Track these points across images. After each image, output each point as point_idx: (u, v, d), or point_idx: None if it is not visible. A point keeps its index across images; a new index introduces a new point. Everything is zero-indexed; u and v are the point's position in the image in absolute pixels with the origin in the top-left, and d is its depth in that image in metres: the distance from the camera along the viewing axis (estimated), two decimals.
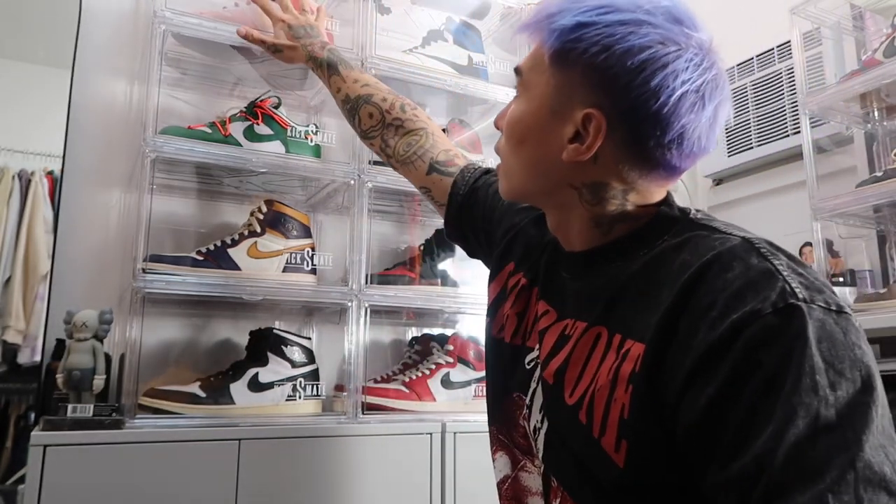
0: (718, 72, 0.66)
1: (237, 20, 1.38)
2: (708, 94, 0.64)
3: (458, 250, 1.61)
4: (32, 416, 1.54)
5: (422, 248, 1.61)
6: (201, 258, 1.31)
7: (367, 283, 1.41)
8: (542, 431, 0.73)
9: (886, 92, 1.69)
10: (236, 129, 1.37)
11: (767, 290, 0.54)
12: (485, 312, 0.88)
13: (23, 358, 1.60)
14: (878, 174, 1.60)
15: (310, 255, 1.41)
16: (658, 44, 0.63)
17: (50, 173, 1.67)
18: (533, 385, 0.75)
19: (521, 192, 0.76)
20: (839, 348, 0.52)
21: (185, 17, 1.32)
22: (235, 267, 1.33)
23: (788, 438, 0.48)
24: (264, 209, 1.41)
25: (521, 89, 0.73)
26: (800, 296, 0.53)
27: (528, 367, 0.78)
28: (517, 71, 0.74)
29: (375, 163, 1.49)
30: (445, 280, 1.55)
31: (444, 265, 1.58)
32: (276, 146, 1.40)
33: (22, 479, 1.08)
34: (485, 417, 1.33)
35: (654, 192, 0.70)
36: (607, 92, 0.64)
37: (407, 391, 1.43)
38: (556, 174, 0.69)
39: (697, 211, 0.70)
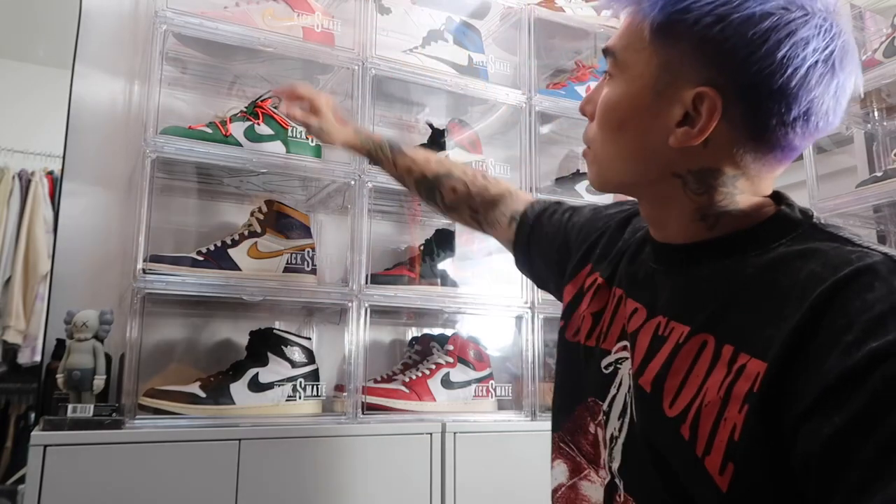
0: (848, 37, 0.59)
1: (238, 20, 1.38)
2: (838, 62, 0.58)
3: (458, 250, 1.62)
4: (32, 415, 1.55)
5: (422, 248, 1.61)
6: (201, 258, 1.31)
7: (367, 283, 1.41)
8: (620, 441, 0.68)
9: (886, 92, 1.69)
10: (237, 129, 1.37)
11: None
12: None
13: (23, 358, 1.60)
14: (878, 174, 1.61)
15: (310, 255, 1.41)
16: (781, 9, 0.56)
17: (50, 173, 1.67)
18: (613, 391, 0.70)
19: (617, 182, 0.69)
20: None
21: (186, 16, 1.32)
22: (235, 267, 1.33)
23: None
24: (264, 209, 1.41)
25: (615, 70, 0.65)
26: None
27: (605, 371, 0.72)
28: (607, 51, 0.66)
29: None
30: (445, 280, 1.55)
31: (444, 265, 1.58)
32: (276, 146, 1.40)
33: (22, 479, 1.08)
34: (485, 418, 1.33)
35: (765, 180, 0.63)
36: (724, 67, 0.57)
37: (407, 391, 1.43)
38: (660, 162, 0.63)
39: (820, 216, 0.63)
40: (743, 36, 0.56)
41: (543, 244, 0.93)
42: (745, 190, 0.63)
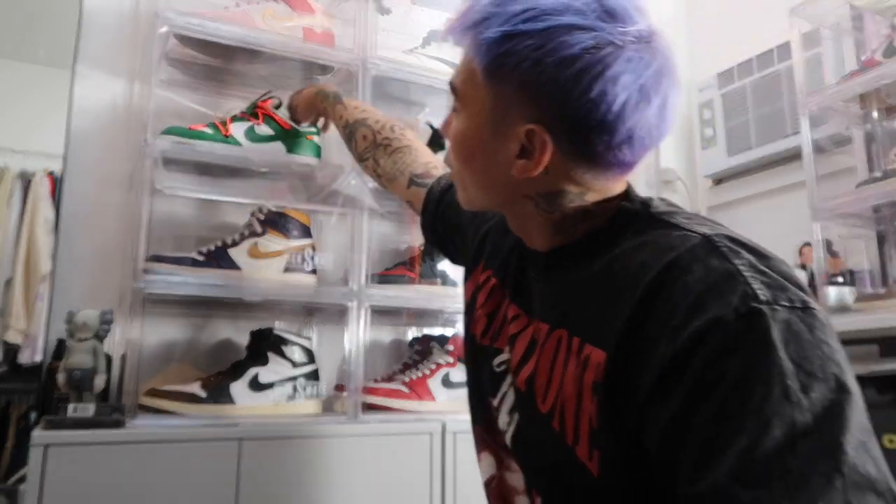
0: (663, 59, 0.61)
1: (238, 20, 1.38)
2: (652, 88, 0.61)
3: None
4: (33, 415, 1.54)
5: (422, 248, 1.61)
6: (202, 258, 1.31)
7: (367, 283, 1.41)
8: (510, 434, 0.72)
9: (886, 92, 1.70)
10: (237, 130, 1.37)
11: (729, 295, 0.51)
12: None
13: (24, 358, 1.61)
14: (878, 174, 1.61)
15: (310, 255, 1.42)
16: (592, 49, 0.58)
17: (51, 173, 1.67)
18: (503, 388, 0.74)
19: (479, 204, 0.73)
20: (807, 348, 0.49)
21: (186, 17, 1.32)
22: (236, 267, 1.33)
23: (766, 450, 0.46)
24: (265, 209, 1.41)
25: (458, 105, 0.69)
26: (762, 298, 0.51)
27: (497, 369, 0.76)
28: (452, 86, 0.69)
29: None
30: (445, 280, 1.55)
31: (444, 265, 1.58)
32: (276, 147, 1.40)
33: (23, 479, 1.08)
34: None
35: (613, 187, 0.67)
36: (546, 106, 0.61)
37: (407, 391, 1.43)
38: (509, 188, 0.67)
39: (662, 200, 0.67)
40: (557, 78, 0.59)
41: (448, 225, 0.96)
42: (596, 199, 0.66)
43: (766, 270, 0.53)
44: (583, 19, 0.59)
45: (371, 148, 1.09)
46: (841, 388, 0.48)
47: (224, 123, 1.37)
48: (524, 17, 0.60)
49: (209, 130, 1.35)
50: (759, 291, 0.51)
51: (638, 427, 0.54)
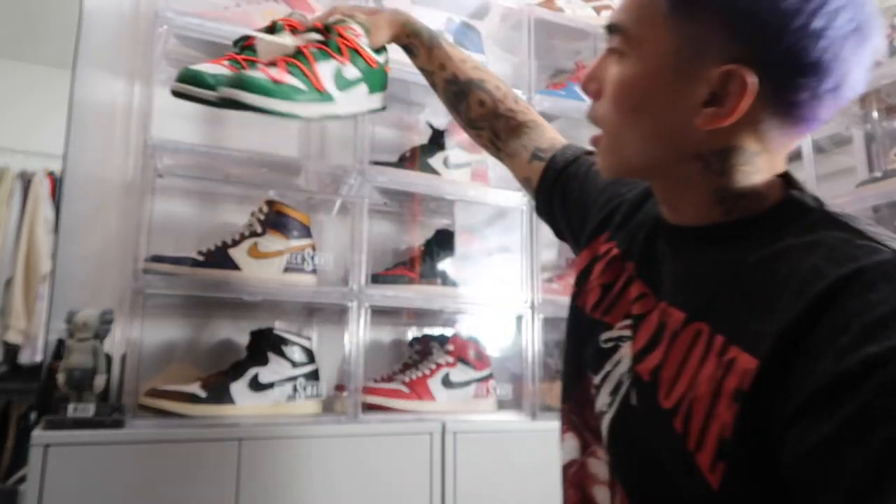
0: (873, 4, 0.56)
1: (238, 20, 1.38)
2: (868, 30, 0.55)
3: (458, 250, 1.62)
4: (33, 415, 1.54)
5: (422, 248, 1.61)
6: (202, 258, 1.31)
7: (367, 283, 1.41)
8: (608, 418, 0.65)
9: (886, 92, 1.69)
10: (327, 78, 0.87)
11: None
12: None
13: (24, 358, 1.61)
14: (878, 174, 1.61)
15: (310, 255, 1.42)
16: None
17: (51, 173, 1.67)
18: (608, 367, 0.67)
19: (634, 168, 0.64)
20: None
21: (186, 17, 1.32)
22: (236, 267, 1.33)
23: None
24: (265, 209, 1.41)
25: (625, 47, 0.60)
26: None
27: (603, 345, 0.69)
28: (614, 28, 0.61)
29: (376, 163, 1.49)
30: (445, 280, 1.55)
31: (444, 265, 1.58)
32: (361, 90, 0.94)
33: (23, 479, 1.08)
34: (486, 418, 1.32)
35: (782, 156, 0.61)
36: (754, 42, 0.54)
37: (407, 391, 1.43)
38: (682, 143, 0.59)
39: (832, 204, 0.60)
40: (775, 8, 0.53)
41: (568, 199, 0.87)
42: (763, 168, 0.59)
43: None
44: None
45: (489, 117, 0.96)
46: None
47: (305, 63, 0.86)
48: None
49: (300, 84, 0.84)
50: None
51: (777, 444, 0.49)
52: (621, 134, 0.62)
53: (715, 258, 0.60)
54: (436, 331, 1.64)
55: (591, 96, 0.65)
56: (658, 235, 0.67)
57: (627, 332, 0.67)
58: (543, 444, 1.40)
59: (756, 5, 0.53)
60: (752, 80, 0.54)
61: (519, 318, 1.56)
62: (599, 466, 0.69)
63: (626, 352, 0.66)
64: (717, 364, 0.54)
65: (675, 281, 0.63)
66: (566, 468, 0.73)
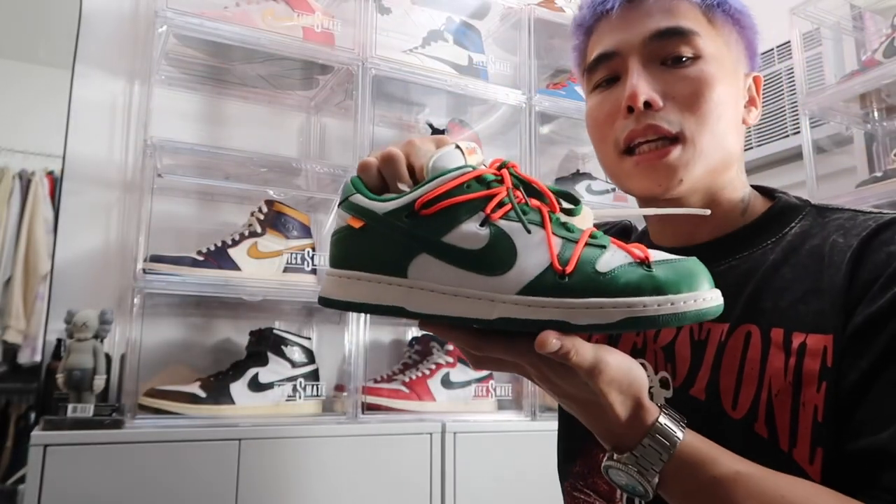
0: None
1: (238, 20, 1.38)
2: None
3: None
4: (33, 415, 1.55)
5: None
6: (201, 258, 1.31)
7: None
8: None
9: (886, 92, 1.69)
10: None
11: None
12: None
13: (23, 358, 1.60)
14: (878, 174, 1.60)
15: (310, 255, 1.42)
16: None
17: (50, 173, 1.67)
18: None
19: (699, 173, 0.63)
20: None
21: (186, 17, 1.32)
22: (235, 267, 1.33)
23: None
24: (265, 209, 1.41)
25: (693, 50, 0.62)
26: None
27: None
28: (682, 31, 0.62)
29: None
30: None
31: None
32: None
33: (22, 479, 1.08)
34: (485, 418, 1.30)
35: None
36: (753, 49, 0.67)
37: (407, 391, 1.43)
38: (736, 144, 0.65)
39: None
40: (754, 25, 0.67)
41: None
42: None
43: None
44: None
45: None
46: None
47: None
48: None
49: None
50: None
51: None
52: (704, 138, 0.62)
53: (730, 267, 0.63)
54: None
55: (651, 107, 0.62)
56: None
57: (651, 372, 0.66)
58: (543, 444, 1.40)
59: (750, 21, 0.66)
60: (758, 82, 0.67)
61: None
62: None
63: (656, 391, 0.65)
64: (784, 355, 0.56)
65: None
66: None
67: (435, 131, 1.63)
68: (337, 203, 0.51)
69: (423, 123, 1.72)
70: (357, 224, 0.48)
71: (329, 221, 1.59)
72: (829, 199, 1.63)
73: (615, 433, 0.49)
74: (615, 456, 0.50)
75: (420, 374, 1.47)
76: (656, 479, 0.48)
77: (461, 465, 1.33)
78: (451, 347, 1.52)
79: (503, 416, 1.50)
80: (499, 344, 0.47)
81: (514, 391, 1.53)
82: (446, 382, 1.48)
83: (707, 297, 0.44)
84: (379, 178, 0.51)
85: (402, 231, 0.46)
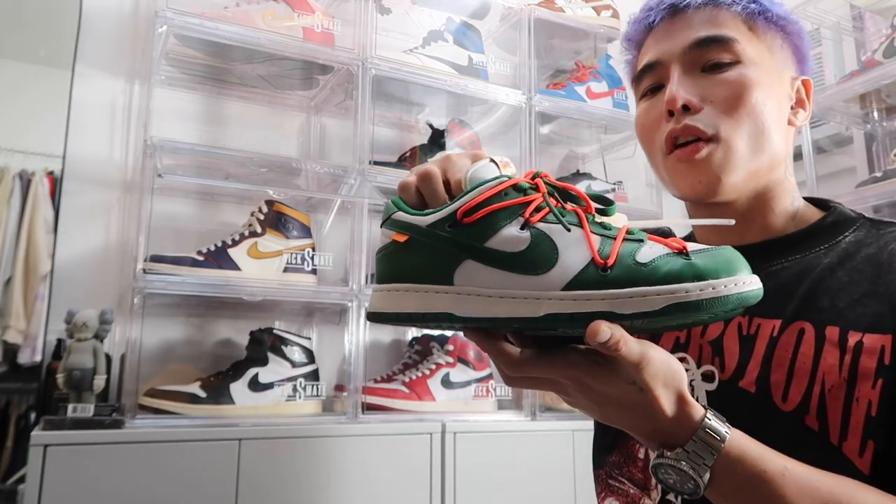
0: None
1: (238, 20, 1.38)
2: None
3: None
4: (33, 415, 1.54)
5: None
6: (201, 258, 1.31)
7: (367, 283, 1.41)
8: None
9: (886, 92, 1.69)
10: None
11: None
12: None
13: (23, 358, 1.60)
14: (878, 174, 1.61)
15: (310, 255, 1.42)
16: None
17: (50, 173, 1.67)
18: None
19: (741, 174, 0.65)
20: None
21: (186, 17, 1.32)
22: (235, 267, 1.33)
23: None
24: (265, 209, 1.41)
25: (732, 56, 0.65)
26: None
27: None
28: (722, 39, 0.65)
29: (376, 163, 1.49)
30: None
31: None
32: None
33: (22, 479, 1.08)
34: (485, 418, 1.30)
35: None
36: (798, 54, 0.70)
37: (407, 391, 1.43)
38: (780, 146, 0.67)
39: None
40: (801, 31, 0.70)
41: None
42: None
43: None
44: None
45: None
46: None
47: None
48: None
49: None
50: None
51: None
52: (734, 142, 0.64)
53: (784, 267, 0.66)
54: (436, 331, 1.64)
55: (691, 110, 0.65)
56: None
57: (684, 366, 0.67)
58: (543, 444, 1.40)
59: (797, 26, 0.69)
60: (808, 84, 0.69)
61: None
62: None
63: (697, 384, 0.67)
64: (839, 353, 0.59)
65: None
66: None
67: (435, 131, 1.63)
68: (379, 224, 0.53)
69: (423, 123, 1.72)
70: (402, 238, 0.50)
71: (329, 221, 1.59)
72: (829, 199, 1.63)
73: (663, 430, 0.50)
74: (666, 453, 0.50)
75: (420, 374, 1.47)
76: (708, 475, 0.49)
77: (461, 465, 1.33)
78: (451, 347, 1.52)
79: (503, 416, 1.50)
80: (536, 363, 0.48)
81: (513, 391, 1.53)
82: (446, 382, 1.48)
83: (747, 281, 0.44)
84: (418, 196, 0.53)
85: (446, 240, 0.49)
